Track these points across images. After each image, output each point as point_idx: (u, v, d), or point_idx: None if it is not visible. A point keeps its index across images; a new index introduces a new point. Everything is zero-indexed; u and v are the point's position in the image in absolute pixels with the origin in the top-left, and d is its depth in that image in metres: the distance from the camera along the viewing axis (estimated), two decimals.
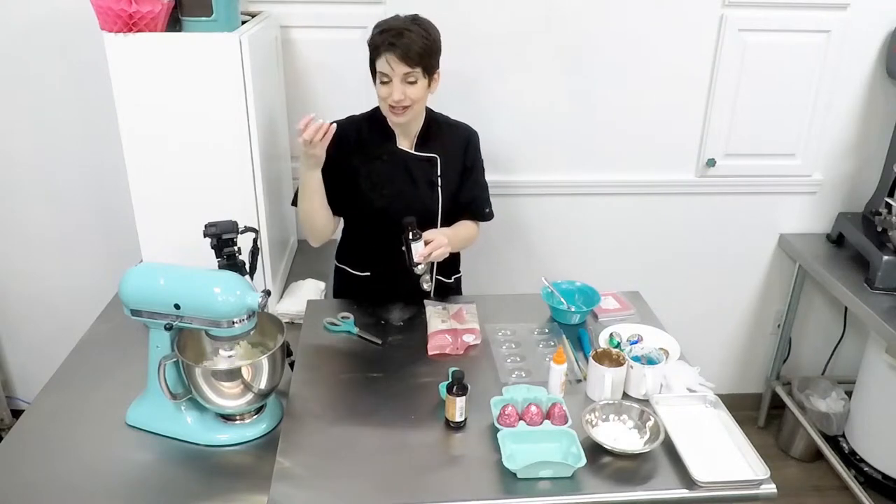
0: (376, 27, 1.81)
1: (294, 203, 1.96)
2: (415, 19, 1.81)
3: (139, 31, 1.76)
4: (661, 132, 2.55)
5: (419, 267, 1.80)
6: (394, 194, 1.93)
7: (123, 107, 1.85)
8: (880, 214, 2.42)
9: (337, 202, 1.95)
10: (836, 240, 2.69)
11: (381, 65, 1.78)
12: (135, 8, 1.73)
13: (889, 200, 2.39)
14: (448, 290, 2.12)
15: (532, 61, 2.42)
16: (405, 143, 1.95)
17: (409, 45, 1.74)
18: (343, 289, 2.15)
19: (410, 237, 1.78)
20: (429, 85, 1.84)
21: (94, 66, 2.23)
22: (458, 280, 2.21)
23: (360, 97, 2.37)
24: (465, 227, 2.02)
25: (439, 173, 1.95)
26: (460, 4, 2.31)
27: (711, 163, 2.58)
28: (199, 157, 1.90)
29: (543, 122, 2.51)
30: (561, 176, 2.59)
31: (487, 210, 2.06)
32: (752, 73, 2.47)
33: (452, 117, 2.03)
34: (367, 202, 1.94)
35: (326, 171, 1.92)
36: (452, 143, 1.98)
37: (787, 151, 2.61)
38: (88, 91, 2.33)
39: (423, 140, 1.95)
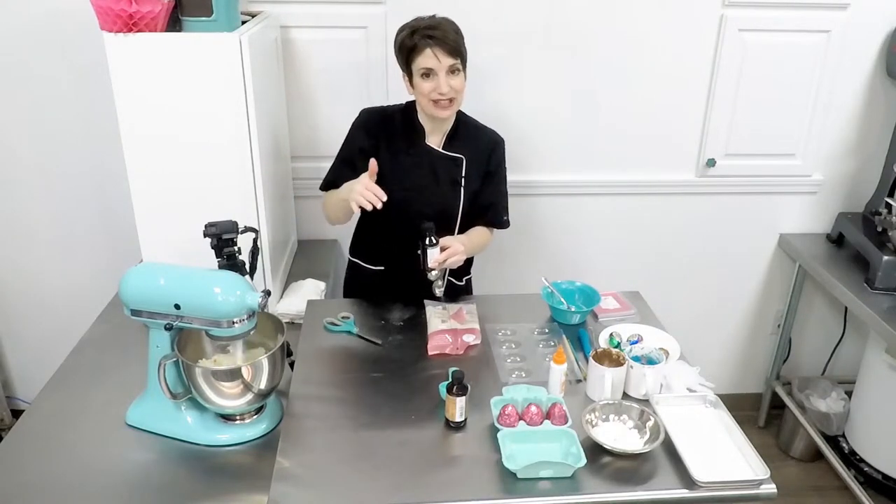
0: (404, 30, 1.82)
1: (323, 188, 2.00)
2: (435, 17, 1.83)
3: (139, 31, 1.76)
4: (661, 132, 2.55)
5: (433, 273, 1.81)
6: (414, 189, 1.93)
7: (123, 107, 1.85)
8: (880, 214, 2.42)
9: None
10: (836, 240, 2.69)
11: (425, 60, 1.78)
12: (135, 8, 1.73)
13: (889, 200, 2.39)
14: (459, 292, 2.12)
15: (532, 62, 2.42)
16: (433, 141, 1.96)
17: (446, 35, 1.78)
18: (355, 283, 2.15)
19: (427, 243, 1.79)
20: (464, 78, 1.86)
21: (94, 66, 2.23)
22: (469, 281, 2.21)
23: (360, 97, 2.38)
24: (479, 234, 2.02)
25: (464, 174, 1.96)
26: (460, 5, 2.31)
27: (711, 163, 2.58)
28: (199, 157, 1.90)
29: (543, 123, 2.51)
30: (561, 176, 2.59)
31: (505, 218, 2.06)
32: (752, 73, 2.47)
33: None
34: (388, 195, 1.90)
35: (356, 157, 1.94)
36: (479, 145, 1.99)
37: (787, 151, 2.61)
38: (88, 91, 2.33)
39: (452, 140, 1.96)
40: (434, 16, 1.84)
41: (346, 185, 1.86)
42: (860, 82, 2.53)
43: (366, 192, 1.75)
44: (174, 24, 1.84)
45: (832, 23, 2.42)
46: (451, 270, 2.07)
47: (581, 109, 2.50)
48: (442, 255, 1.80)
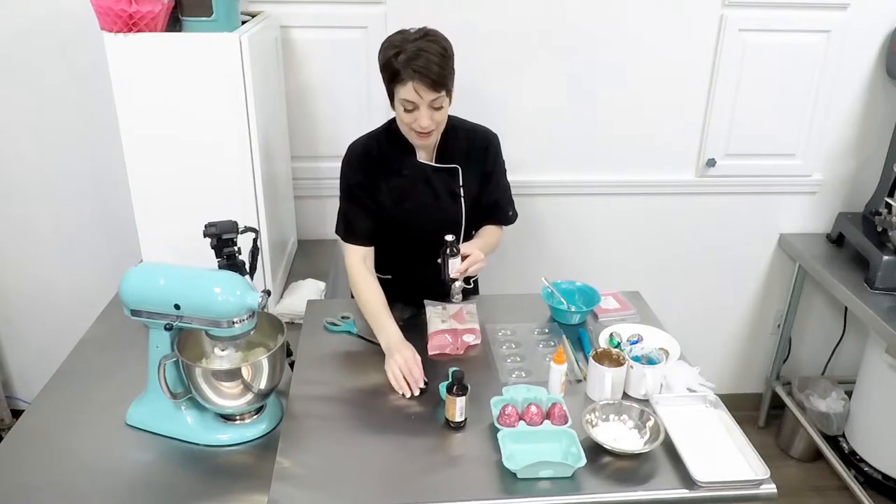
0: (388, 47, 1.70)
1: (342, 236, 1.93)
2: (426, 34, 1.70)
3: (139, 31, 1.76)
4: (661, 132, 2.55)
5: (456, 284, 1.79)
6: (417, 208, 1.90)
7: (123, 107, 1.85)
8: (880, 214, 2.41)
9: (365, 225, 1.92)
10: (836, 240, 2.69)
11: (406, 92, 1.68)
12: (135, 8, 1.73)
13: (889, 200, 2.39)
14: (468, 294, 2.08)
15: (532, 62, 2.42)
16: (424, 156, 1.91)
17: (429, 66, 1.65)
18: None
19: (448, 253, 1.76)
20: (450, 103, 1.78)
21: (94, 66, 2.23)
22: (476, 283, 2.20)
23: (360, 97, 2.38)
24: (491, 234, 2.00)
25: (461, 183, 1.93)
26: (460, 5, 2.31)
27: (711, 163, 2.58)
28: (199, 157, 1.90)
29: (543, 123, 2.51)
30: (561, 176, 2.59)
31: (511, 213, 2.03)
32: (752, 73, 2.47)
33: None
34: (391, 217, 1.91)
35: (358, 195, 1.89)
36: (472, 149, 1.94)
37: (787, 151, 2.61)
38: (88, 91, 2.33)
39: (444, 150, 1.91)
40: (424, 30, 1.71)
41: (387, 336, 1.74)
42: (860, 82, 2.53)
43: (402, 381, 1.63)
44: (174, 24, 1.84)
45: (832, 23, 2.42)
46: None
47: (581, 109, 2.50)
48: (464, 264, 1.77)
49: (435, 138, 1.84)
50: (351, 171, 1.90)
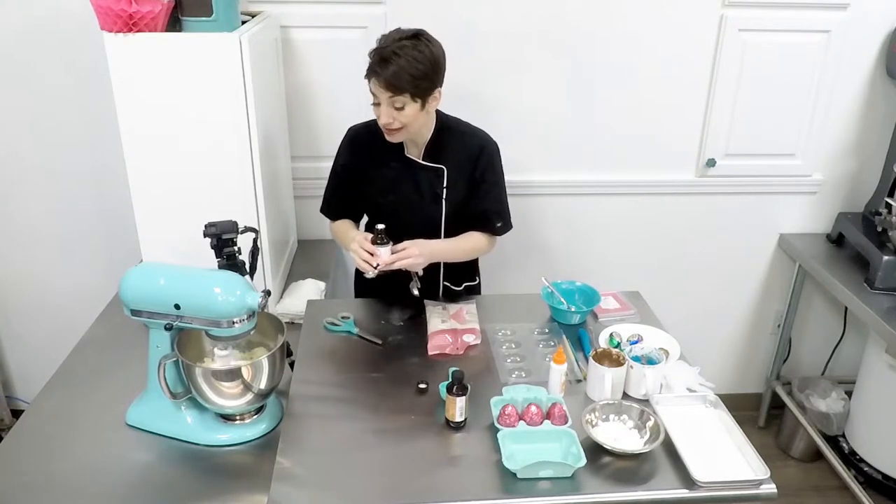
0: (377, 40, 1.75)
1: (323, 211, 2.06)
2: (415, 36, 1.72)
3: (139, 31, 1.76)
4: (661, 132, 2.55)
5: (368, 273, 1.79)
6: (398, 202, 1.93)
7: (123, 107, 1.85)
8: (880, 214, 2.41)
9: (352, 205, 2.02)
10: (836, 240, 2.69)
11: (371, 86, 1.75)
12: (135, 8, 1.73)
13: (889, 200, 2.39)
14: (456, 296, 2.07)
15: (531, 61, 2.42)
16: (414, 152, 1.92)
17: (396, 72, 1.68)
18: (363, 284, 2.15)
19: (378, 243, 1.78)
20: (423, 107, 1.77)
21: (94, 66, 2.23)
22: (472, 288, 2.17)
23: (360, 97, 2.37)
24: (468, 239, 1.97)
25: (445, 185, 1.92)
26: (460, 4, 2.31)
27: (711, 163, 2.58)
28: (199, 156, 1.90)
29: (543, 123, 2.51)
30: (561, 176, 2.59)
31: (499, 224, 1.99)
32: (752, 73, 2.47)
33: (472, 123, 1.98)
34: (375, 207, 1.98)
35: (342, 175, 1.98)
36: (463, 152, 1.92)
37: (787, 151, 2.61)
38: (88, 91, 2.33)
39: (433, 149, 1.91)
40: (416, 32, 1.74)
41: (348, 236, 1.91)
42: (860, 82, 2.53)
43: (357, 259, 1.80)
44: (174, 24, 1.84)
45: (832, 23, 2.42)
46: (446, 272, 2.08)
47: (581, 109, 2.50)
48: (391, 257, 1.77)
49: (403, 137, 1.84)
50: (342, 151, 1.99)
